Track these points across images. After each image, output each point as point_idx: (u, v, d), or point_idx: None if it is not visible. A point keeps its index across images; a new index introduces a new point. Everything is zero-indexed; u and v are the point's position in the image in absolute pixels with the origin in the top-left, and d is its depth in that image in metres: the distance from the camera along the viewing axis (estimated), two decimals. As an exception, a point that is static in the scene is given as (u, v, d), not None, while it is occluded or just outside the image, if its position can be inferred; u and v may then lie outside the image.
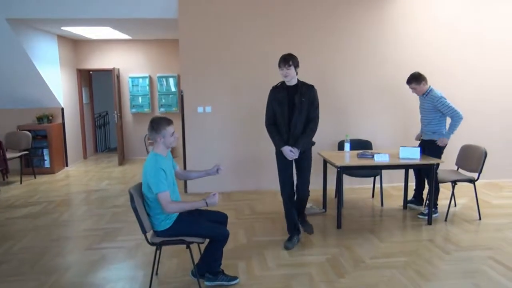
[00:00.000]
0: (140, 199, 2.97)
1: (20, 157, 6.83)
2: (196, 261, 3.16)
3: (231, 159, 5.96)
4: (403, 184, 5.16)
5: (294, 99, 3.83)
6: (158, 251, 3.12)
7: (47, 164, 7.48)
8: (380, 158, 4.38)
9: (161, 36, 8.18)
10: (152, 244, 3.00)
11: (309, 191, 4.07)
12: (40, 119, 7.43)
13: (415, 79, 4.63)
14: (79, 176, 7.34)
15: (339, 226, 4.44)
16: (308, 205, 5.10)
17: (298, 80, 3.92)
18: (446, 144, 4.63)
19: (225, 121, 5.91)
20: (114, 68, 8.19)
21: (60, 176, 7.33)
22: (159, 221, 2.98)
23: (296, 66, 3.80)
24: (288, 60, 3.75)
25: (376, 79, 6.00)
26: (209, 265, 3.15)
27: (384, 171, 5.31)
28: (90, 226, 4.69)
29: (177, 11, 5.65)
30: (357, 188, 6.03)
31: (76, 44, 8.49)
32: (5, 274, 3.48)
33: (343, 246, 3.96)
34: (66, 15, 5.77)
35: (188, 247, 3.01)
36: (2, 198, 5.89)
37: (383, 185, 5.31)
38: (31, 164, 7.19)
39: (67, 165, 7.98)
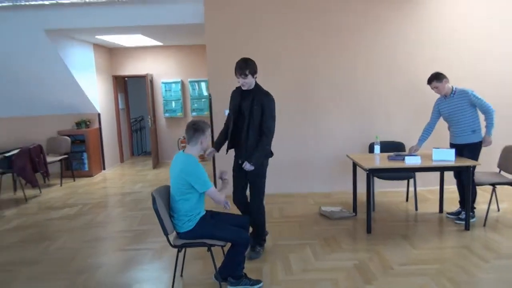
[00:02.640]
0: (163, 202, 3.01)
1: (60, 160, 7.14)
2: (219, 264, 3.16)
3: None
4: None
5: (250, 109, 3.59)
6: (179, 253, 3.15)
7: (85, 167, 7.77)
8: (411, 161, 4.20)
9: (192, 42, 8.31)
10: (174, 246, 3.03)
11: (261, 214, 3.80)
12: (78, 124, 7.75)
13: (435, 77, 4.45)
14: (115, 179, 7.58)
15: (369, 230, 4.30)
16: (337, 209, 5.03)
17: (256, 84, 3.68)
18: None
19: (254, 124, 5.89)
20: (147, 74, 8.41)
21: (97, 179, 7.60)
22: (182, 223, 3.01)
23: (254, 73, 3.57)
24: (244, 70, 3.50)
25: (408, 77, 5.80)
26: (231, 269, 3.13)
27: (419, 174, 5.11)
28: (122, 227, 4.82)
29: (203, 16, 5.72)
30: (390, 192, 5.83)
31: (111, 52, 8.80)
32: (41, 273, 3.63)
33: (372, 251, 3.83)
34: (98, 24, 6.00)
35: (209, 249, 3.01)
36: (43, 199, 6.18)
37: (418, 188, 5.12)
38: (71, 168, 7.51)
39: (104, 169, 8.26)
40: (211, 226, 3.03)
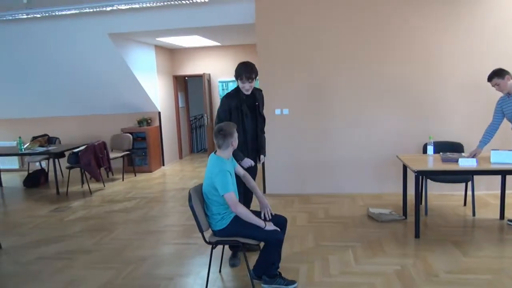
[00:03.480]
0: (199, 199, 3.12)
1: (122, 156, 7.63)
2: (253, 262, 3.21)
3: (310, 162, 5.89)
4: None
5: (256, 109, 3.67)
6: (219, 250, 3.24)
7: (146, 163, 8.23)
8: (465, 163, 3.93)
9: (247, 41, 8.42)
10: (208, 243, 3.13)
11: None
12: (140, 122, 8.21)
13: (496, 73, 4.11)
14: (172, 175, 7.93)
15: (417, 235, 4.09)
16: (386, 211, 4.85)
17: None
18: None
19: (303, 123, 5.86)
20: (204, 74, 8.68)
21: (156, 174, 8.01)
22: (216, 221, 3.09)
23: (257, 76, 3.56)
24: (252, 74, 3.47)
25: (468, 74, 5.40)
26: (265, 268, 3.16)
27: (481, 177, 4.74)
28: (172, 222, 5.05)
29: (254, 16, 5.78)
30: (447, 195, 5.49)
31: (172, 53, 9.19)
32: (94, 261, 3.93)
33: (417, 257, 3.64)
34: (157, 26, 6.31)
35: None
36: (106, 193, 6.65)
37: (481, 192, 4.79)
38: (132, 163, 7.99)
39: (163, 165, 8.68)
40: (244, 224, 3.06)
